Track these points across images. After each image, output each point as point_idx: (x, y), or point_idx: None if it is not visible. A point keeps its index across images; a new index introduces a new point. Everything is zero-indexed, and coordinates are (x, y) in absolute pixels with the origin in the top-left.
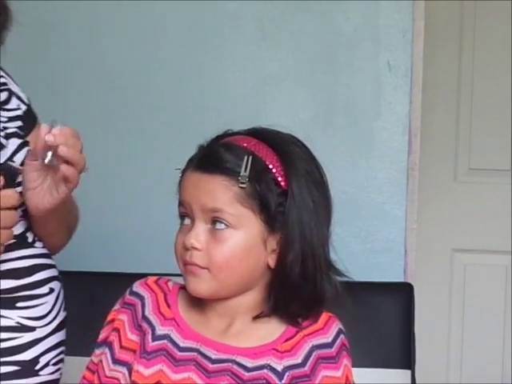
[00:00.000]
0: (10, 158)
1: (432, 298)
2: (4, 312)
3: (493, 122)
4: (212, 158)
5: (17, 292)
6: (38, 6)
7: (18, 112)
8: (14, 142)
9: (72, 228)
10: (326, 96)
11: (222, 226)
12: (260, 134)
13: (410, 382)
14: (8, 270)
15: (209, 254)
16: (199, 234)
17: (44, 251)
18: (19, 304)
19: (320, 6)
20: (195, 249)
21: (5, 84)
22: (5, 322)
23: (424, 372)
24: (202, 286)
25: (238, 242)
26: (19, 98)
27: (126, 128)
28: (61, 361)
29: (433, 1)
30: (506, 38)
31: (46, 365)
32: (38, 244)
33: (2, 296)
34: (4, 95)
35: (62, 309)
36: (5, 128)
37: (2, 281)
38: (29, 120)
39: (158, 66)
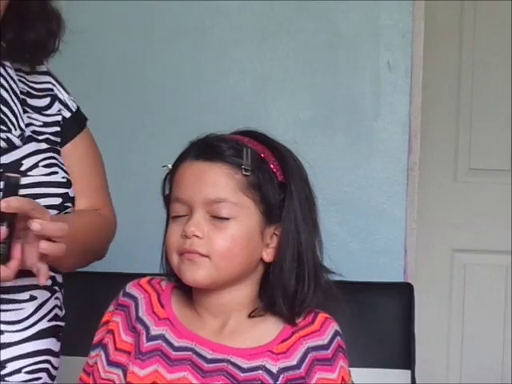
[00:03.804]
0: (20, 160)
1: (432, 298)
2: None
3: (493, 122)
4: (212, 146)
5: None
6: None
7: (58, 118)
8: (31, 147)
9: (95, 250)
10: (326, 96)
11: (224, 214)
12: (248, 134)
13: (409, 382)
14: None
15: (211, 242)
16: (200, 223)
17: None
18: None
19: (320, 6)
20: (196, 236)
21: (50, 90)
22: None
23: (424, 372)
24: (200, 273)
25: (239, 230)
26: (65, 105)
27: (124, 127)
28: (41, 370)
29: (433, 1)
30: (506, 38)
31: (17, 371)
32: None
33: None
34: (46, 101)
35: (48, 319)
36: (35, 132)
37: None
38: (71, 126)
39: (158, 65)
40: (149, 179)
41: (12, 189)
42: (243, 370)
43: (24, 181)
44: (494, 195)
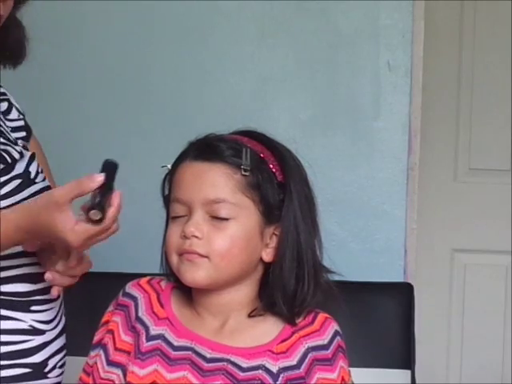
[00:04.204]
0: (27, 168)
1: (432, 298)
2: (18, 315)
3: (493, 122)
4: (211, 147)
5: (32, 296)
6: (34, 6)
7: (21, 122)
8: (27, 154)
9: None
10: (326, 96)
11: (223, 215)
12: (248, 134)
13: (409, 382)
14: (26, 273)
15: (210, 243)
16: (199, 223)
17: None
18: (33, 307)
19: (320, 6)
20: (195, 237)
21: (4, 94)
22: (18, 325)
23: (424, 372)
24: (200, 273)
25: (239, 231)
26: (17, 109)
27: (124, 127)
28: (64, 364)
29: (433, 1)
30: (506, 38)
31: (54, 367)
32: None
33: (18, 299)
34: (5, 105)
35: (64, 314)
36: (16, 138)
37: (20, 284)
38: (27, 131)
39: (158, 65)
40: (149, 179)
41: (109, 172)
42: (243, 370)
43: (33, 189)
44: (494, 195)
